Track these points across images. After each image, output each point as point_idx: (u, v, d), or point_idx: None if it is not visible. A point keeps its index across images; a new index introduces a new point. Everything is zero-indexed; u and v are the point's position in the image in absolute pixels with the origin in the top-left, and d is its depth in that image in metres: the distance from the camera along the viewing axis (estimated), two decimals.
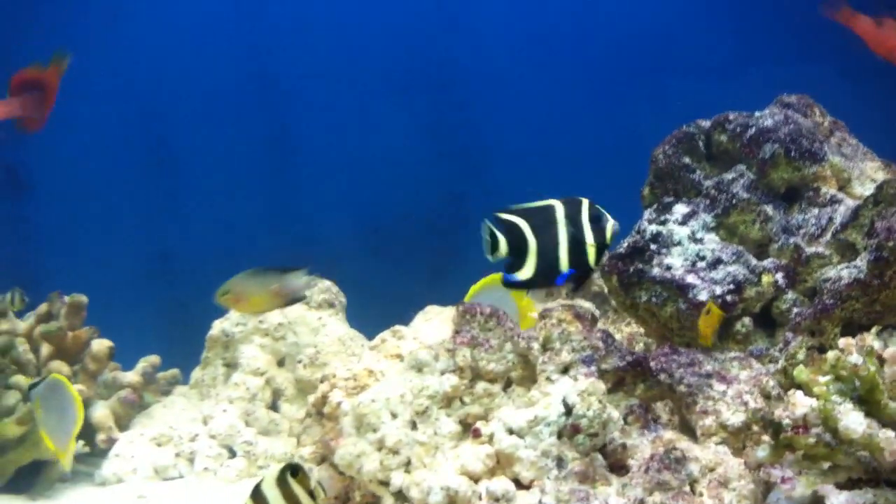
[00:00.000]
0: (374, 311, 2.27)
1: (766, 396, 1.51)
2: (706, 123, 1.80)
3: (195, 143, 2.92)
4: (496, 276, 2.02)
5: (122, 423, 2.20)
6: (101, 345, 2.23)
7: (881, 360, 1.32)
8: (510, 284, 1.46)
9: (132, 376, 2.28)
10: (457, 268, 2.13)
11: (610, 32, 2.71)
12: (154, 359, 2.35)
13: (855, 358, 1.33)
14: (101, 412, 2.15)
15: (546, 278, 1.45)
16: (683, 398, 1.51)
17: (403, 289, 2.49)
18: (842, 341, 1.44)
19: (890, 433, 1.26)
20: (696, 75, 2.67)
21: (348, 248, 2.77)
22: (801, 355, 1.58)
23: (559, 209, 1.44)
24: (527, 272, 1.44)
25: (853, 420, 1.27)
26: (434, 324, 1.95)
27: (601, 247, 1.43)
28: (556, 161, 2.61)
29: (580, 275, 1.45)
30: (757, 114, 1.76)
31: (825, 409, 1.30)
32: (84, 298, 2.22)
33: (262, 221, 2.88)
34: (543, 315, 1.50)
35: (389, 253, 2.79)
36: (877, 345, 1.36)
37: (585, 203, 1.44)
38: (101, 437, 2.11)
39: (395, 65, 2.76)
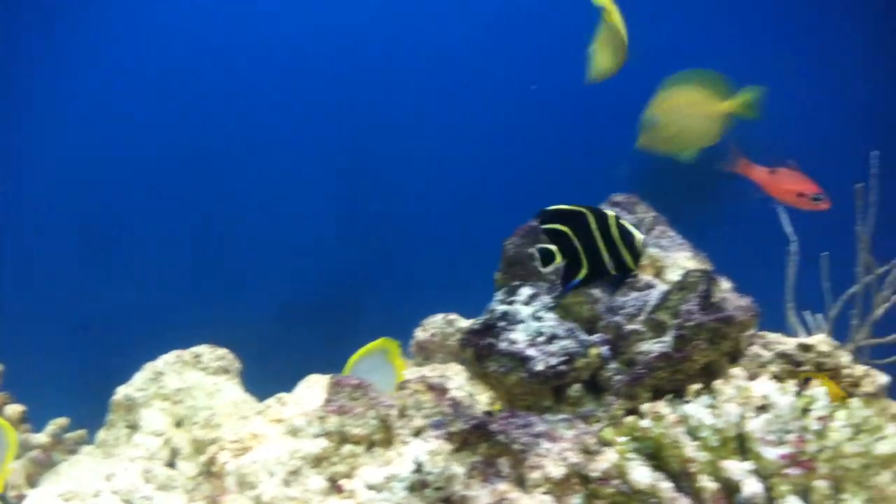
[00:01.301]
0: (272, 376, 2.51)
1: (587, 452, 1.81)
2: None
3: (122, 214, 3.07)
4: (375, 344, 2.31)
5: (33, 481, 2.38)
6: (13, 409, 2.43)
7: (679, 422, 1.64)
8: (572, 288, 1.67)
9: (42, 437, 2.46)
10: (352, 337, 2.36)
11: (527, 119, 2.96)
12: (63, 421, 2.53)
13: (646, 422, 1.65)
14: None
15: (596, 277, 1.66)
16: (518, 455, 1.79)
17: (302, 355, 2.70)
18: (643, 406, 1.77)
19: (668, 484, 1.57)
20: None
21: (256, 319, 2.99)
22: (619, 416, 1.89)
23: (590, 217, 1.64)
24: (583, 273, 1.65)
25: (640, 473, 1.58)
26: (314, 391, 2.21)
27: (634, 255, 1.63)
28: (459, 239, 2.82)
29: (620, 277, 1.67)
30: None
31: (619, 463, 1.61)
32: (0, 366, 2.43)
33: (180, 291, 3.06)
34: (402, 386, 1.78)
35: (292, 323, 3.02)
36: (666, 410, 1.68)
37: (612, 216, 1.64)
38: (12, 493, 2.29)
39: (308, 149, 2.99)
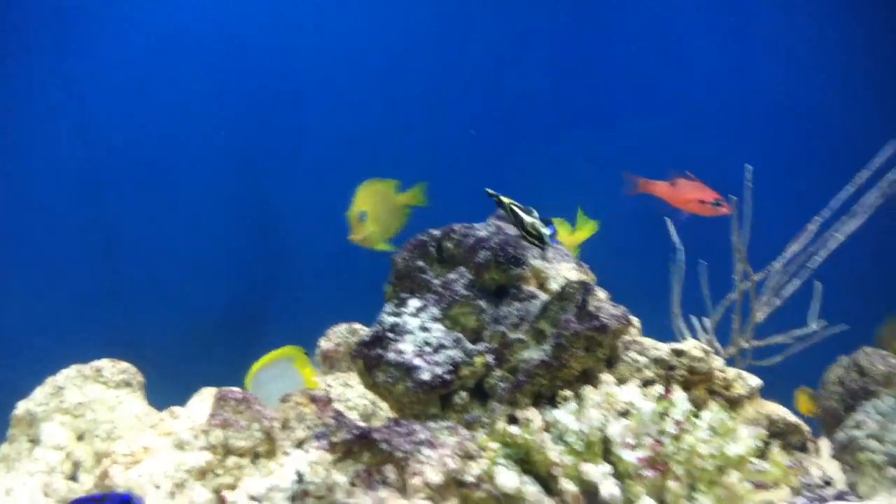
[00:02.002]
0: (180, 388, 2.54)
1: (469, 457, 1.88)
2: (437, 233, 2.18)
3: (20, 227, 3.08)
4: (280, 352, 2.36)
5: None
6: None
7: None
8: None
9: None
10: (258, 348, 2.39)
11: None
12: None
13: (514, 428, 1.73)
14: None
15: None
16: (400, 462, 1.85)
17: (207, 367, 2.73)
18: (518, 413, 1.84)
19: (534, 488, 1.65)
20: None
21: (162, 336, 3.01)
22: (501, 422, 1.96)
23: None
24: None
25: (506, 477, 1.65)
26: (206, 404, 2.25)
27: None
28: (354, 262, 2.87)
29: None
30: (476, 225, 2.16)
31: (488, 469, 1.68)
32: None
33: (81, 305, 3.07)
34: (284, 399, 1.83)
35: (198, 338, 3.05)
36: (534, 417, 1.76)
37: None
38: None
39: (207, 164, 3.04)
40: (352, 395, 2.57)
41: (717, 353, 2.50)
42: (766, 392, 2.21)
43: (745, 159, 2.41)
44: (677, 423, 1.64)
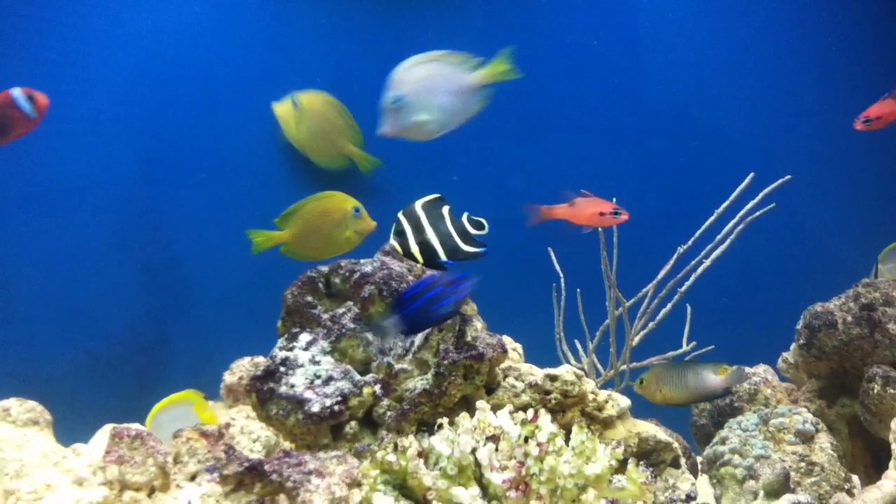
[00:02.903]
0: (87, 425, 2.60)
1: (357, 485, 2.00)
2: (325, 269, 2.30)
3: None
4: (179, 395, 2.45)
5: None
6: None
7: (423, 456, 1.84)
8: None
9: None
10: (164, 382, 2.46)
11: None
12: None
13: (391, 455, 1.85)
14: None
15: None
16: (291, 492, 1.96)
17: (113, 403, 2.80)
18: (399, 440, 1.96)
19: None
20: None
21: (64, 372, 3.06)
22: (381, 450, 2.08)
23: None
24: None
25: (382, 502, 1.77)
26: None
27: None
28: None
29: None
30: (362, 261, 2.28)
31: (366, 495, 1.79)
32: None
33: None
34: (175, 435, 1.92)
35: (101, 372, 3.11)
36: (409, 443, 1.88)
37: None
38: None
39: (102, 199, 3.09)
40: (255, 427, 2.66)
41: (598, 374, 2.67)
42: (644, 411, 2.39)
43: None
44: (539, 444, 1.78)
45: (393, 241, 1.99)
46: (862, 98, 2.70)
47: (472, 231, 2.01)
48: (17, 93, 2.49)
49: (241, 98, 3.21)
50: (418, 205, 1.99)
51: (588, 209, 2.70)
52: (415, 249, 1.99)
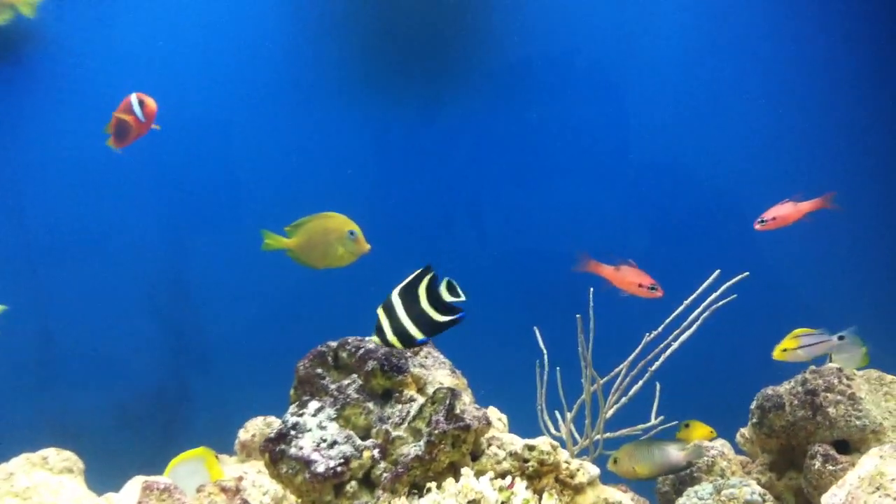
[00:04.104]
0: (117, 474, 2.90)
1: None
2: (334, 344, 2.61)
3: None
4: (194, 452, 2.75)
5: None
6: None
7: None
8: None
9: None
10: (185, 436, 2.73)
11: None
12: None
13: None
14: None
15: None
16: None
17: (139, 454, 3.10)
18: (394, 501, 2.25)
19: None
20: None
21: (96, 422, 3.36)
22: None
23: None
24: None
25: None
26: (137, 490, 2.62)
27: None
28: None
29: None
30: (367, 338, 2.60)
31: None
32: None
33: (27, 395, 3.41)
34: (198, 489, 2.22)
35: (129, 425, 3.41)
36: (404, 503, 2.18)
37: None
38: None
39: (143, 281, 3.42)
40: (265, 481, 2.95)
41: (575, 443, 2.96)
42: (615, 478, 2.68)
43: None
44: None
45: (374, 338, 2.29)
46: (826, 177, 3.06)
47: (450, 299, 2.28)
48: (133, 98, 2.84)
49: (261, 167, 3.54)
50: (395, 292, 2.29)
51: (629, 278, 3.03)
52: (392, 339, 2.29)
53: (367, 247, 2.90)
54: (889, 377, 2.72)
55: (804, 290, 3.84)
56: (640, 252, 3.53)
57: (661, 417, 2.90)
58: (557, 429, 3.00)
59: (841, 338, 2.72)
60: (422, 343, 2.30)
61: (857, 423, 2.54)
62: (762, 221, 3.08)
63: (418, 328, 2.26)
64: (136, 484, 2.76)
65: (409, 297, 2.29)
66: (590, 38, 3.85)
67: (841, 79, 3.93)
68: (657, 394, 2.91)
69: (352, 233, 2.90)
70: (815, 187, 3.48)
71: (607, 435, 2.91)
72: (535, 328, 3.02)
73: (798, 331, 2.78)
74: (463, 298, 2.24)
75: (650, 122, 3.90)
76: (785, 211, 3.09)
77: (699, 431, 3.02)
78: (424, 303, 2.27)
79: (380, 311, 2.28)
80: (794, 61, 3.90)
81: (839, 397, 2.57)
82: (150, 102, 2.89)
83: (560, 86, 3.84)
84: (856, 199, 3.77)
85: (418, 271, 2.28)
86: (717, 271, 2.81)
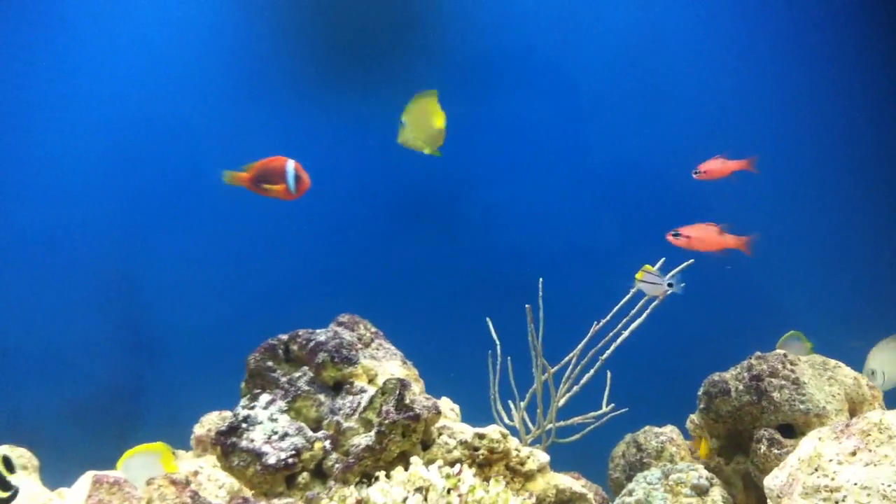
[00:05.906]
0: (71, 470, 2.89)
1: None
2: (285, 337, 2.62)
3: None
4: (150, 446, 2.74)
5: None
6: None
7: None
8: None
9: None
10: (139, 431, 2.73)
11: None
12: None
13: None
14: None
15: None
16: None
17: (94, 449, 3.08)
18: (342, 490, 2.27)
19: None
20: None
21: (51, 419, 3.35)
22: (336, 498, 2.39)
23: None
24: None
25: None
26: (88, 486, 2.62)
27: None
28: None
29: None
30: (318, 331, 2.61)
31: None
32: None
33: None
34: (149, 482, 2.23)
35: (83, 421, 3.40)
36: (348, 493, 2.19)
37: None
38: None
39: (95, 279, 3.41)
40: (220, 475, 2.95)
41: (528, 432, 2.99)
42: (565, 465, 2.71)
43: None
44: (460, 495, 2.10)
45: None
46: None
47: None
48: (290, 166, 2.81)
49: (215, 164, 3.53)
50: None
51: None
52: None
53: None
54: (833, 362, 2.77)
55: (756, 277, 3.90)
56: (604, 245, 3.59)
57: (612, 405, 2.94)
58: (511, 418, 3.03)
59: (670, 285, 2.77)
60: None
61: (801, 407, 2.59)
62: (697, 172, 3.30)
63: None
64: (88, 479, 2.75)
65: None
66: (544, 35, 3.89)
67: (806, 70, 4.00)
68: (608, 382, 2.95)
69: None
70: (778, 175, 3.57)
71: (559, 423, 2.95)
72: (487, 319, 3.05)
73: (648, 267, 2.83)
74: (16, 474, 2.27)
75: (607, 117, 3.94)
76: (714, 166, 3.31)
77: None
78: None
79: None
80: (755, 52, 3.97)
81: (783, 382, 2.62)
82: (305, 179, 2.89)
83: (516, 82, 3.86)
84: (820, 196, 3.88)
85: None
86: (662, 259, 2.85)
